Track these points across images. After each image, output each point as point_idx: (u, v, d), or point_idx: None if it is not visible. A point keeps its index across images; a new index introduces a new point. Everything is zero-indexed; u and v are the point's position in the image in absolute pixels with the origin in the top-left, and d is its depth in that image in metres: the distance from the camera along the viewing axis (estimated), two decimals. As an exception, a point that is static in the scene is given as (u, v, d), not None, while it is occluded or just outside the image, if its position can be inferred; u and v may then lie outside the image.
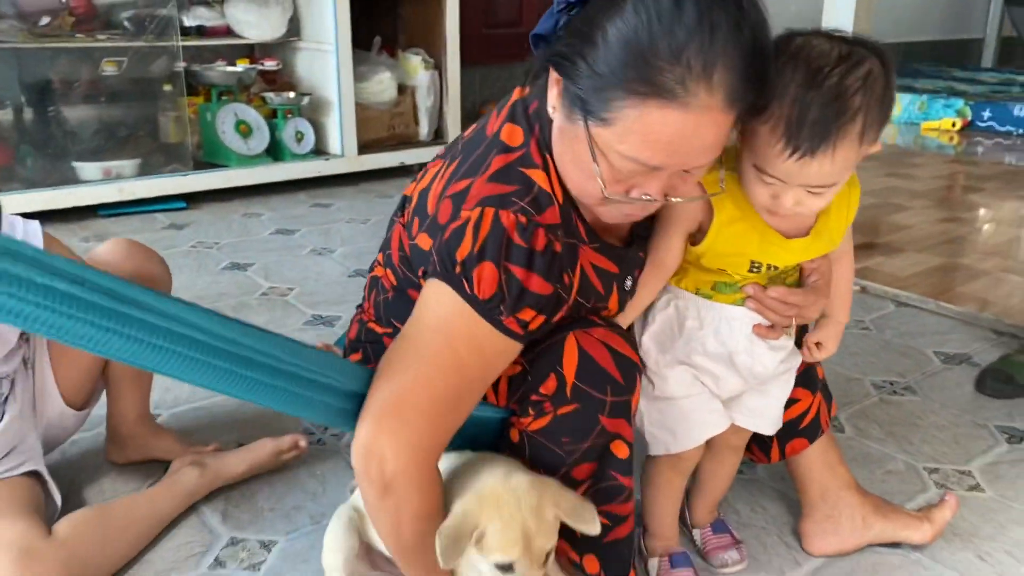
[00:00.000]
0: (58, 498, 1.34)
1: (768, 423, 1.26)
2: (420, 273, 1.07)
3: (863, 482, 1.49)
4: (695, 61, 0.84)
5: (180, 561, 1.33)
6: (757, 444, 1.38)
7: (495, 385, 1.09)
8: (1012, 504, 1.51)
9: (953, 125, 5.14)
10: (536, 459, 1.10)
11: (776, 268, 1.12)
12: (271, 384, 0.96)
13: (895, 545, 1.38)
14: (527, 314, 0.98)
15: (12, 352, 1.32)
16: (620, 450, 1.10)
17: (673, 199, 0.97)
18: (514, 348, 1.02)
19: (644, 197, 0.95)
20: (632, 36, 0.85)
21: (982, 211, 3.53)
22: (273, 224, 3.01)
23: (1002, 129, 5.06)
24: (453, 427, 1.02)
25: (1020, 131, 4.95)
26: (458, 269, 0.97)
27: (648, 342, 1.20)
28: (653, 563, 1.29)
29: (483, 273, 0.95)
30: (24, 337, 1.37)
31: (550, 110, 0.98)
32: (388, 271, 1.19)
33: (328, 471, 1.57)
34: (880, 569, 1.34)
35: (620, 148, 0.90)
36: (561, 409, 1.05)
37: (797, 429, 1.34)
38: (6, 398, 1.32)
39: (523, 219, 0.96)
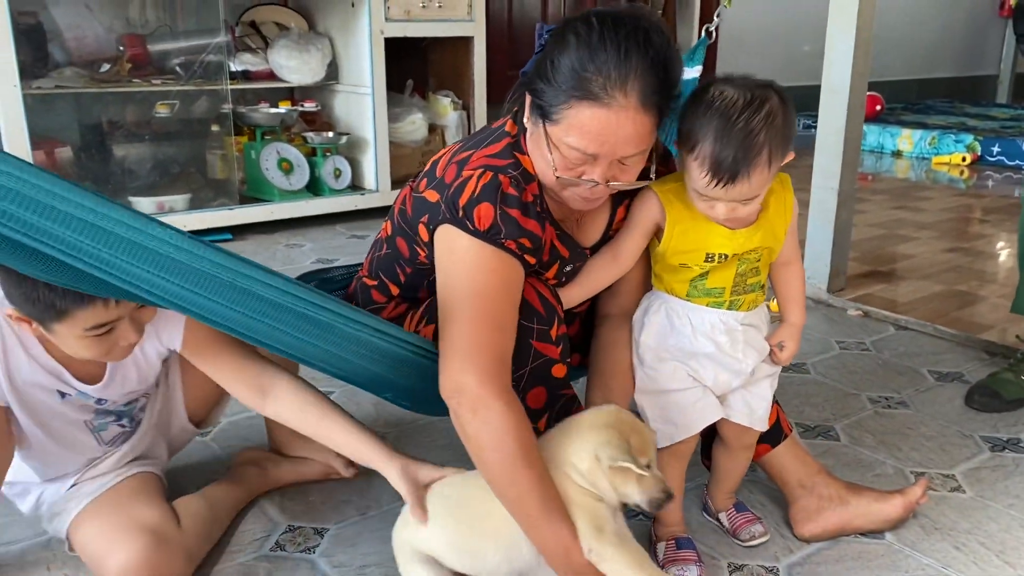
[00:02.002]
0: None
1: (757, 420, 1.44)
2: (424, 220, 1.32)
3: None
4: (613, 73, 1.15)
5: (245, 544, 1.52)
6: None
7: None
8: (989, 503, 1.67)
9: (963, 160, 5.29)
10: None
11: (726, 256, 1.33)
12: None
13: (879, 536, 1.54)
14: (524, 242, 1.25)
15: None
16: (558, 371, 1.35)
17: (613, 183, 1.25)
18: (517, 266, 1.26)
19: (590, 181, 1.23)
20: (572, 60, 1.17)
21: (986, 242, 3.68)
22: (314, 254, 3.24)
23: (1011, 163, 5.21)
24: (505, 343, 1.24)
25: (1029, 165, 5.09)
26: (461, 213, 1.24)
27: (645, 341, 1.41)
28: (660, 547, 1.46)
29: (481, 211, 1.23)
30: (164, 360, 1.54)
31: (525, 122, 1.28)
32: (388, 223, 1.47)
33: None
34: (865, 556, 1.50)
35: (566, 140, 1.20)
36: None
37: (763, 434, 1.52)
38: (143, 408, 1.51)
39: (515, 181, 1.26)
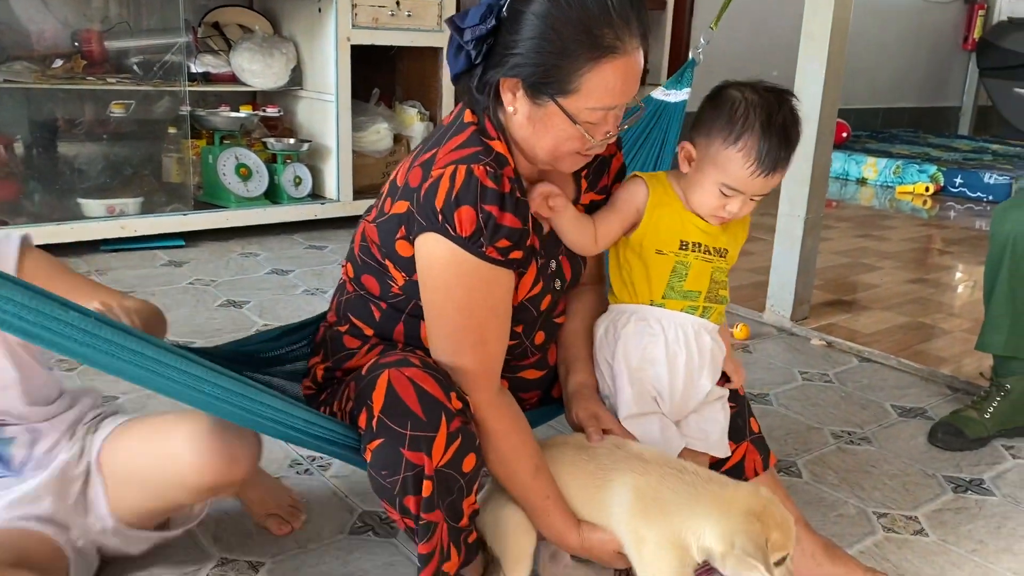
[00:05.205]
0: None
1: (715, 445, 1.41)
2: (400, 235, 1.24)
3: (815, 524, 1.60)
4: (618, 19, 1.12)
5: (173, 578, 1.42)
6: None
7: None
8: (952, 548, 1.62)
9: (927, 190, 5.33)
10: (378, 491, 1.20)
11: (700, 245, 1.37)
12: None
13: (840, 582, 1.49)
14: (504, 243, 1.19)
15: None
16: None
17: (621, 129, 1.24)
18: (502, 275, 1.22)
19: (609, 133, 1.21)
20: (570, 24, 1.11)
21: (948, 273, 3.69)
22: (269, 264, 3.13)
23: (973, 195, 5.26)
24: (492, 355, 1.24)
25: (990, 197, 5.15)
26: (440, 217, 1.17)
27: (619, 359, 1.38)
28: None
29: (462, 215, 1.16)
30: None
31: (509, 110, 1.20)
32: (348, 264, 1.37)
33: (314, 499, 1.66)
34: (825, 603, 1.44)
35: (588, 105, 1.16)
36: (372, 444, 1.17)
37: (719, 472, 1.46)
38: (17, 449, 1.30)
39: (490, 169, 1.18)
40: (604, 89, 1.14)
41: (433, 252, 1.19)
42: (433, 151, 1.22)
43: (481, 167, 1.17)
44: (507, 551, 1.32)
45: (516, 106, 1.19)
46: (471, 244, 1.17)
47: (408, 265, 1.25)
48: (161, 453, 1.26)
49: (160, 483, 1.29)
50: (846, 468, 1.90)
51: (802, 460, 1.93)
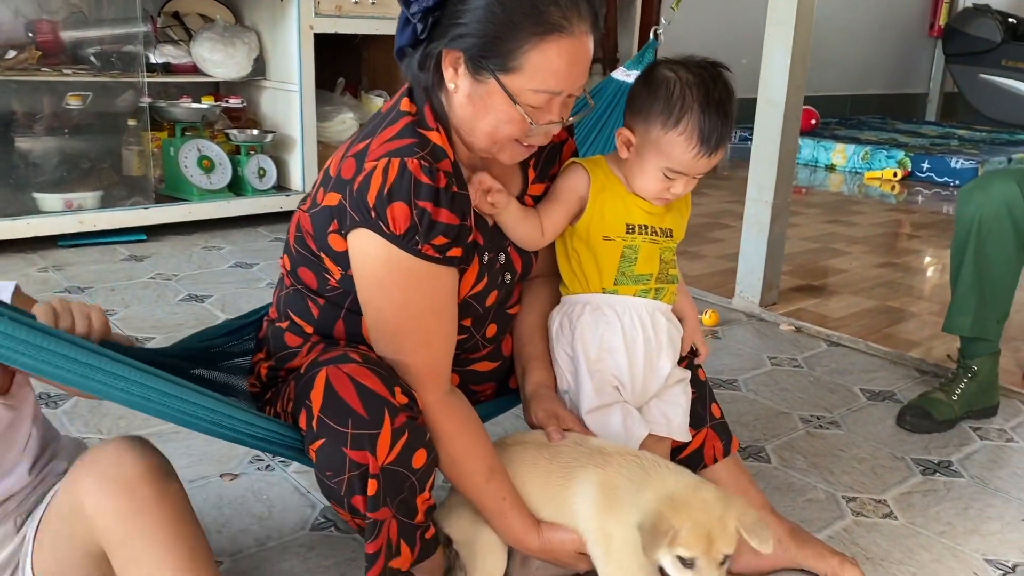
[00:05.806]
0: None
1: (677, 430, 1.39)
2: (332, 228, 1.19)
3: (784, 509, 1.59)
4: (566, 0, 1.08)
5: (128, 580, 1.38)
6: None
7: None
8: (920, 531, 1.62)
9: (894, 175, 5.37)
10: (326, 493, 1.17)
11: (646, 227, 1.36)
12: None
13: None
14: (440, 241, 1.14)
15: None
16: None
17: (566, 121, 1.19)
18: (441, 272, 1.17)
19: (555, 123, 1.16)
20: None
21: (916, 257, 3.71)
22: (232, 257, 3.07)
23: (940, 180, 5.30)
24: (438, 355, 1.20)
25: (957, 182, 5.18)
26: (373, 213, 1.12)
27: (578, 349, 1.35)
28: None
29: (395, 212, 1.11)
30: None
31: (450, 88, 1.15)
32: (285, 257, 1.32)
33: (275, 496, 1.62)
34: (794, 589, 1.43)
35: (531, 86, 1.11)
36: (314, 444, 1.12)
37: (675, 459, 1.43)
38: None
39: (425, 163, 1.13)
40: (548, 70, 1.10)
41: (367, 250, 1.15)
42: (367, 141, 1.16)
43: (415, 160, 1.12)
44: (477, 571, 1.29)
45: (457, 83, 1.14)
46: (406, 242, 1.12)
47: (342, 259, 1.20)
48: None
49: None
50: (815, 452, 1.90)
51: (771, 445, 1.92)
